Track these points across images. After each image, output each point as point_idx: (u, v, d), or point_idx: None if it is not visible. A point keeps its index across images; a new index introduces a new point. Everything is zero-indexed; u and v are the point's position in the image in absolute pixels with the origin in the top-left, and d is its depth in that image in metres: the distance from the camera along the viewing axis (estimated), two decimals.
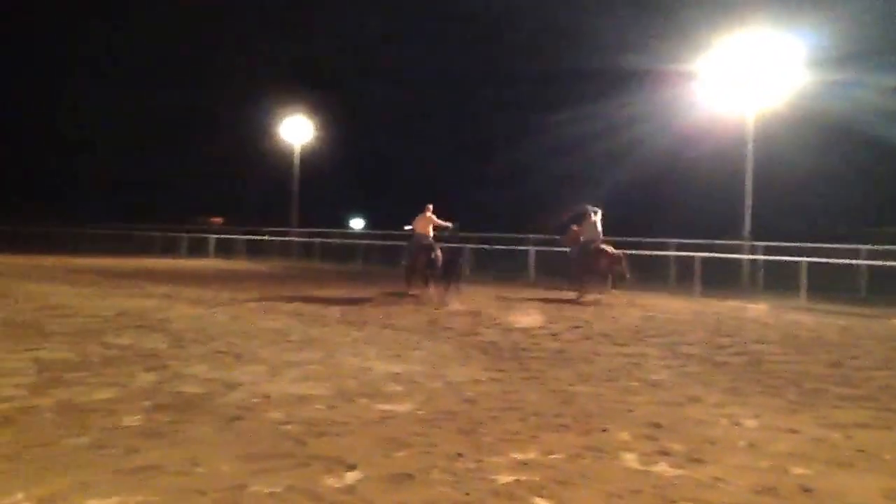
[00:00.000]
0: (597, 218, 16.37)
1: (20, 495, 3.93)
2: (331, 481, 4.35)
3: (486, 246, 25.35)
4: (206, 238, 35.52)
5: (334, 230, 36.46)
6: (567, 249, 17.51)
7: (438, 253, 15.83)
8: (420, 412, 6.07)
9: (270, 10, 60.81)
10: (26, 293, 14.51)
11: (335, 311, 12.98)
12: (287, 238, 35.11)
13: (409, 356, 8.69)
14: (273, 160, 41.40)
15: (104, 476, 4.27)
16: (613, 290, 16.55)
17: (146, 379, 6.96)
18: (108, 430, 5.23)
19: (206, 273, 23.61)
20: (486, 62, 57.55)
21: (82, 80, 56.34)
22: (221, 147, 51.25)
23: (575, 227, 16.88)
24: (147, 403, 6.02)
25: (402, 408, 6.18)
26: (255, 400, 6.30)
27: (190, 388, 6.64)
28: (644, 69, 30.00)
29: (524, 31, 49.16)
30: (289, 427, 5.48)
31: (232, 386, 6.80)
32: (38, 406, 5.79)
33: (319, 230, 34.84)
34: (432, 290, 15.68)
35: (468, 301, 15.00)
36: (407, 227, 17.20)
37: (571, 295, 16.59)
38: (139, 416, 5.61)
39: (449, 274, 15.70)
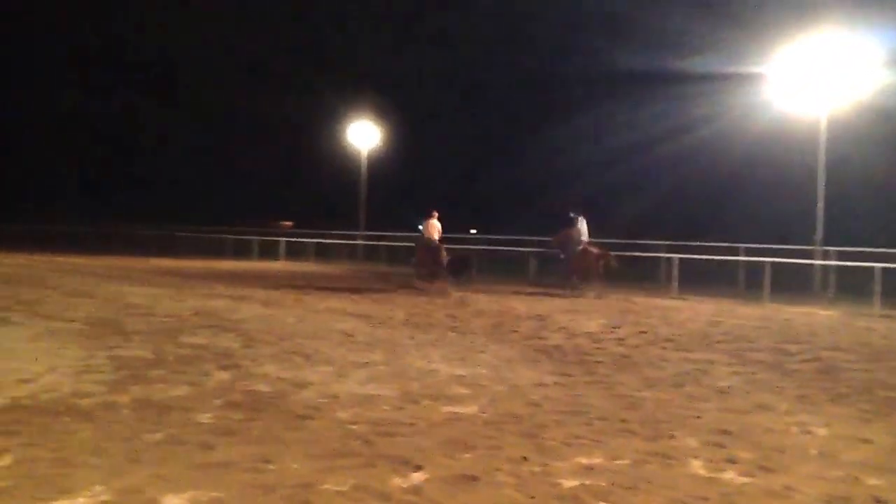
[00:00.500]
0: (581, 223, 17.85)
1: (100, 487, 4.10)
2: (397, 481, 4.43)
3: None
4: (276, 241, 36.19)
5: (399, 234, 36.76)
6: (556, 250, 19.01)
7: (444, 254, 17.40)
8: (485, 415, 6.11)
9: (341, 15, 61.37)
10: (107, 293, 15.04)
11: (400, 314, 13.08)
12: (354, 241, 35.54)
13: (474, 359, 8.74)
14: (342, 164, 41.94)
15: (180, 471, 4.43)
16: (594, 288, 17.43)
17: (219, 377, 7.17)
18: (183, 426, 5.41)
19: (277, 275, 24.04)
20: (559, 62, 57.38)
21: (149, 86, 58.05)
22: (290, 151, 52.29)
23: (563, 232, 18.21)
24: (220, 401, 6.20)
25: (468, 410, 6.24)
26: (323, 400, 6.43)
27: (261, 387, 6.82)
28: (714, 71, 29.40)
29: (593, 33, 48.67)
30: (356, 427, 5.58)
31: (301, 385, 6.96)
32: (116, 402, 6.02)
33: (385, 233, 35.17)
34: (439, 286, 16.84)
35: (533, 303, 14.97)
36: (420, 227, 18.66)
37: (562, 292, 17.47)
38: (213, 414, 5.78)
39: (458, 273, 17.39)
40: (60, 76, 57.32)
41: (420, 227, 18.53)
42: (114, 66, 58.57)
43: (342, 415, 5.96)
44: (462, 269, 17.91)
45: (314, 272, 26.41)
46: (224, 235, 37.75)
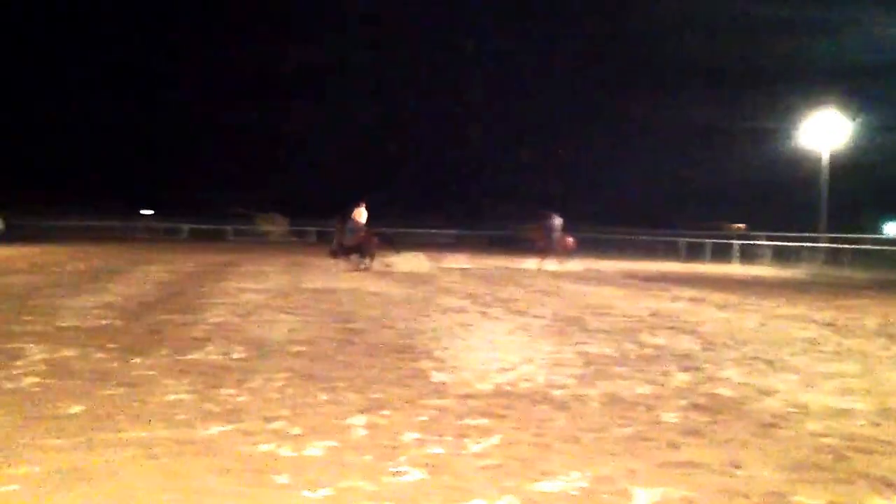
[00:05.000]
0: (556, 219, 25.28)
1: (576, 474, 4.37)
2: (878, 502, 4.02)
3: None
4: (728, 244, 35.20)
5: (866, 236, 33.14)
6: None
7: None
8: None
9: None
10: (570, 293, 16.05)
11: (871, 322, 11.86)
12: (815, 244, 32.89)
13: None
14: (798, 162, 39.25)
15: (649, 466, 4.53)
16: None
17: (681, 379, 7.18)
18: (650, 423, 5.53)
19: (731, 278, 23.40)
20: None
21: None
22: (741, 152, 50.46)
23: (537, 225, 26.08)
24: (683, 402, 6.21)
25: None
26: (790, 409, 6.09)
27: (724, 391, 6.68)
28: None
29: None
30: (828, 440, 5.19)
31: (766, 392, 6.67)
32: (586, 395, 6.38)
33: (849, 236, 32.01)
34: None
35: None
36: None
37: None
38: (677, 414, 5.82)
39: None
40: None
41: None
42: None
43: (812, 426, 5.58)
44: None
45: (770, 276, 25.11)
46: (677, 238, 37.81)
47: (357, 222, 21.99)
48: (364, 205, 22.27)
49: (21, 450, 4.54)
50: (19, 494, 3.86)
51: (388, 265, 21.88)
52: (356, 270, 20.80)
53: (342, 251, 22.26)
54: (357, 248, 21.87)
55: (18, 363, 7.06)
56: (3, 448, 4.56)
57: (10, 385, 6.21)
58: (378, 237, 22.75)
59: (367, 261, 21.65)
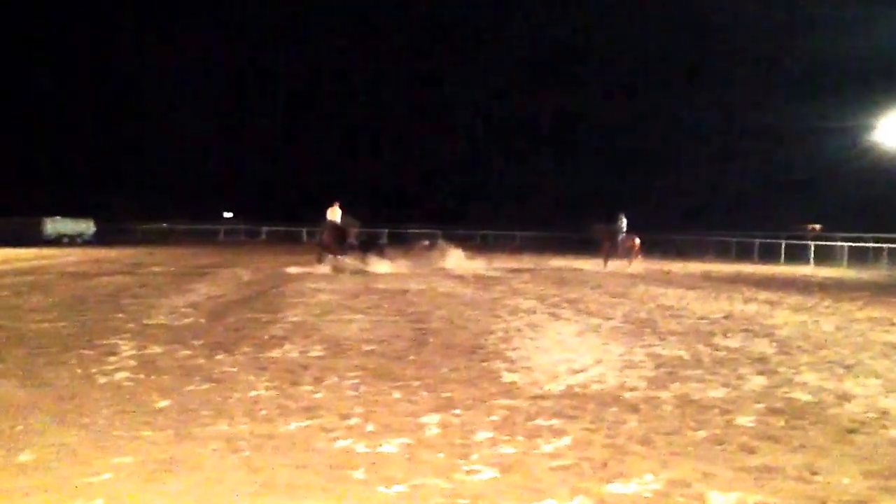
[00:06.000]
0: (623, 221, 25.43)
1: (650, 476, 4.39)
2: None
3: None
4: (803, 244, 34.31)
5: None
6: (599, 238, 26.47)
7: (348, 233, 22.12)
8: None
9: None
10: (640, 294, 15.89)
11: None
12: (894, 245, 31.75)
13: None
14: (876, 160, 38.00)
15: (724, 470, 4.51)
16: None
17: (756, 382, 7.09)
18: (724, 427, 5.48)
19: (806, 280, 22.82)
20: None
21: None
22: (818, 151, 49.12)
23: (604, 226, 26.11)
24: (759, 406, 6.14)
25: None
26: (870, 415, 5.96)
27: (801, 396, 6.57)
28: None
29: None
30: None
31: (844, 397, 6.54)
32: (658, 398, 6.35)
33: None
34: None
35: None
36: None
37: None
38: (752, 418, 5.75)
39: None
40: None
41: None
42: None
43: (894, 432, 5.45)
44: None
45: (848, 278, 24.38)
46: (751, 240, 37.02)
47: (331, 221, 22.07)
48: (338, 203, 22.41)
49: (115, 441, 4.80)
50: (112, 483, 4.09)
51: (365, 264, 21.65)
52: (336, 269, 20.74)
53: (325, 250, 21.98)
54: (332, 247, 21.75)
55: (112, 359, 7.43)
56: (100, 439, 4.82)
57: (103, 380, 6.54)
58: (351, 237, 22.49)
59: (340, 258, 21.56)
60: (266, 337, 8.94)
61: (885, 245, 31.81)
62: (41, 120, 65.55)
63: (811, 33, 54.76)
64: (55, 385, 6.32)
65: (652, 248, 31.18)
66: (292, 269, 20.30)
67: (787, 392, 6.69)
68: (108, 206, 50.34)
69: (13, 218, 38.02)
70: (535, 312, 12.08)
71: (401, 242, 33.72)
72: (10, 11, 66.29)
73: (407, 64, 78.38)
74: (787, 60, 57.42)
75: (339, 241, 22.13)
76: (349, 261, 21.71)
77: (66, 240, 37.02)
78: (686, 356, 8.38)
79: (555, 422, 5.49)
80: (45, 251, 29.25)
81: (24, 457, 4.49)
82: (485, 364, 7.62)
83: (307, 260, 22.49)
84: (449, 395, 6.25)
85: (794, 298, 15.74)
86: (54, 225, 37.60)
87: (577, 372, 7.34)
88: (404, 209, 59.20)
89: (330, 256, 21.86)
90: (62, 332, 9.05)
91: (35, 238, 35.47)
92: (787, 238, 36.39)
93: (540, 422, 5.48)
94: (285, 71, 78.98)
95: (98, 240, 39.25)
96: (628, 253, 25.13)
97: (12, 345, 8.11)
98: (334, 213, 22.56)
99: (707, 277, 22.30)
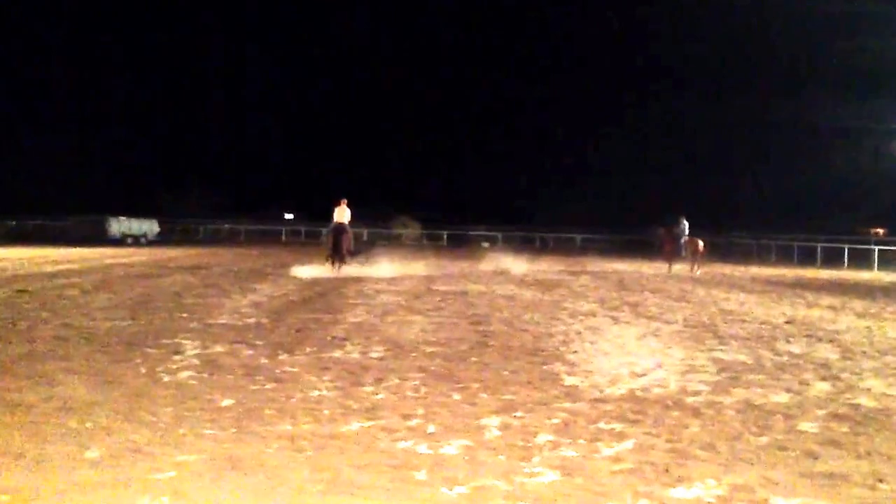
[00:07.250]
0: (684, 223, 25.29)
1: (713, 481, 4.37)
2: None
3: None
4: (867, 249, 33.44)
5: None
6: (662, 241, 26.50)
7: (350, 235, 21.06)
8: None
9: None
10: (701, 298, 15.70)
11: None
12: None
13: None
14: None
15: (788, 476, 4.48)
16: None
17: (820, 388, 6.99)
18: (787, 432, 5.44)
19: (870, 285, 22.28)
20: None
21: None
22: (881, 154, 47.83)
23: (665, 229, 26.30)
24: (822, 412, 6.06)
25: None
26: None
27: (865, 402, 6.47)
28: None
29: None
30: None
31: None
32: (720, 403, 6.31)
33: None
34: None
35: None
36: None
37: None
38: (816, 424, 5.69)
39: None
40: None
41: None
42: None
43: None
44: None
45: None
46: (814, 244, 36.25)
47: (337, 223, 21.06)
48: (345, 202, 21.32)
49: (181, 439, 4.95)
50: (177, 481, 4.20)
51: (361, 265, 21.48)
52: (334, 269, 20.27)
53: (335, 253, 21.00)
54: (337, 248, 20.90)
55: (176, 358, 7.64)
56: (165, 437, 4.99)
57: (168, 378, 6.73)
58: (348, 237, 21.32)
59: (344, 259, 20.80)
60: (328, 337, 9.09)
61: None
62: (108, 120, 67.76)
63: (877, 32, 53.33)
64: (121, 383, 6.50)
65: (713, 252, 30.65)
66: (348, 270, 20.34)
67: (851, 398, 6.59)
68: (172, 206, 51.62)
69: (78, 217, 39.07)
70: (595, 315, 12.04)
71: (460, 243, 33.81)
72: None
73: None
74: (854, 60, 55.80)
75: (340, 247, 21.13)
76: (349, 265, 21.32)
77: (129, 240, 37.75)
78: (748, 361, 8.29)
79: (616, 425, 5.50)
80: (110, 251, 29.92)
81: (92, 453, 4.62)
82: (545, 367, 7.65)
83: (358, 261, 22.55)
84: (510, 397, 6.30)
85: (858, 303, 15.42)
86: (119, 225, 38.23)
87: (638, 376, 7.32)
88: (462, 211, 59.47)
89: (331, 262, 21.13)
90: (128, 330, 9.31)
91: (100, 238, 36.19)
92: (851, 242, 35.49)
93: (601, 425, 5.50)
94: (350, 77, 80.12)
95: (162, 240, 40.16)
96: (693, 256, 24.76)
97: (80, 343, 8.36)
98: (342, 213, 21.47)
99: (769, 281, 21.92)
